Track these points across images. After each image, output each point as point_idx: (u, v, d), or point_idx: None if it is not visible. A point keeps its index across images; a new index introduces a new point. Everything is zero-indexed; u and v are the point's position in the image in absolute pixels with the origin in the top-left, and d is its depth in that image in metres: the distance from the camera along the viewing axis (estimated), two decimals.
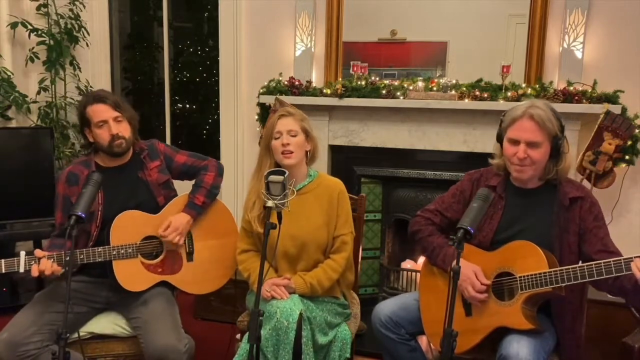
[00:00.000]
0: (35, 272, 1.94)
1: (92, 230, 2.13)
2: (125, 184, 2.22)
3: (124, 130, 2.17)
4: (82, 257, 2.06)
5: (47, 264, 1.95)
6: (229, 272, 2.37)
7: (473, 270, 1.89)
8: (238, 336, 2.28)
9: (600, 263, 1.70)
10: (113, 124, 2.14)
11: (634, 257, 1.66)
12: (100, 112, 2.13)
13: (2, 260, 1.96)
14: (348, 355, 2.10)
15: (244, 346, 2.00)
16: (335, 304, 2.15)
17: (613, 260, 1.69)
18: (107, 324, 2.17)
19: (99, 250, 2.08)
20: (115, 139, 2.14)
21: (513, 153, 1.87)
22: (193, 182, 2.36)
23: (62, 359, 1.64)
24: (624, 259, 1.68)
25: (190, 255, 2.29)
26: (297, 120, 2.14)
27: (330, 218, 2.14)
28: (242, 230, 2.23)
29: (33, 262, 1.96)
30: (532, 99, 1.96)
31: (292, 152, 2.09)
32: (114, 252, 2.11)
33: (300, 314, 1.94)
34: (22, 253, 1.97)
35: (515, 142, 1.87)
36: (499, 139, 1.97)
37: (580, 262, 1.89)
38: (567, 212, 1.89)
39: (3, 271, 1.96)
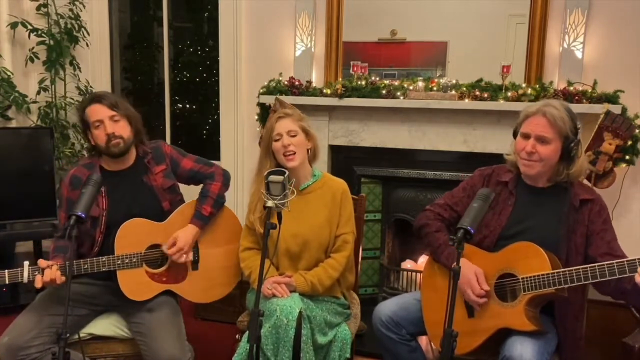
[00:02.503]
0: (38, 284, 1.92)
1: (97, 236, 2.11)
2: (130, 188, 2.19)
3: (121, 129, 2.12)
4: (86, 267, 2.03)
5: (50, 274, 1.93)
6: (233, 280, 2.34)
7: (475, 272, 1.89)
8: (238, 336, 2.28)
9: (604, 265, 1.70)
10: (109, 123, 2.09)
11: (638, 259, 1.66)
12: (96, 111, 2.10)
13: (6, 271, 1.94)
14: (348, 355, 2.10)
15: (243, 345, 2.00)
16: (335, 304, 2.15)
17: (616, 262, 1.69)
18: (108, 325, 2.16)
19: (103, 260, 2.05)
20: (111, 139, 2.10)
21: (522, 147, 1.90)
22: (200, 188, 2.32)
23: (62, 359, 1.64)
24: (627, 261, 1.68)
25: (195, 264, 2.25)
26: (295, 121, 2.15)
27: (333, 216, 2.16)
28: (245, 227, 2.24)
29: (37, 273, 1.94)
30: (550, 99, 1.98)
31: (294, 153, 2.10)
32: (119, 262, 2.07)
33: (300, 312, 1.94)
34: (26, 263, 1.95)
35: (526, 136, 1.90)
36: (515, 135, 1.99)
37: (584, 264, 1.89)
38: (576, 213, 1.89)
39: (7, 282, 1.94)
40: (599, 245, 1.85)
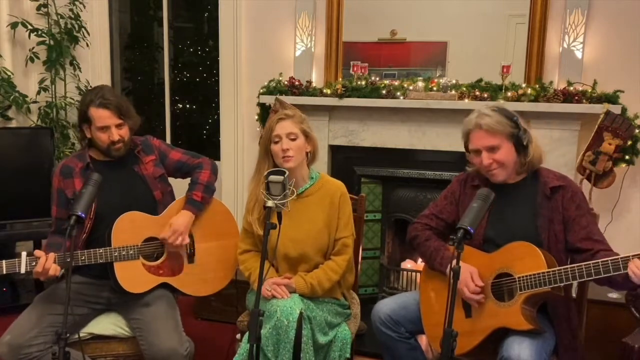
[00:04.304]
0: (39, 267, 1.92)
1: (86, 223, 2.10)
2: (121, 177, 2.21)
3: (124, 134, 2.16)
4: (83, 258, 2.05)
5: (45, 264, 1.93)
6: (229, 274, 2.36)
7: (469, 271, 1.90)
8: (238, 336, 2.28)
9: (598, 262, 1.71)
10: (115, 131, 2.13)
11: (632, 255, 1.67)
12: (103, 118, 2.10)
13: (4, 262, 1.94)
14: (348, 355, 2.10)
15: (244, 346, 1.99)
16: (335, 304, 2.15)
17: (611, 260, 1.70)
18: (108, 324, 2.17)
19: (100, 251, 2.07)
20: (114, 144, 2.14)
21: (479, 162, 1.96)
22: (189, 180, 2.35)
23: (62, 359, 1.64)
24: (621, 258, 1.68)
25: (191, 257, 2.28)
26: (296, 123, 2.11)
27: (332, 220, 2.14)
28: (243, 230, 2.23)
29: (34, 263, 1.94)
30: (481, 107, 1.99)
31: (292, 157, 2.06)
32: (115, 254, 2.10)
33: (301, 313, 1.94)
34: (24, 254, 1.96)
35: (477, 152, 1.96)
36: (466, 149, 2.03)
37: (566, 251, 1.91)
38: (549, 201, 1.92)
39: (4, 272, 1.94)
40: (577, 231, 1.87)
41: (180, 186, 2.40)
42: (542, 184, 1.95)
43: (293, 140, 2.08)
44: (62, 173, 2.18)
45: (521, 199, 1.97)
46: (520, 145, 1.92)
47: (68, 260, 1.94)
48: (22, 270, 1.95)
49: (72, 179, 2.16)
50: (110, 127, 2.12)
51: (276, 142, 2.09)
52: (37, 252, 1.97)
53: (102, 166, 2.16)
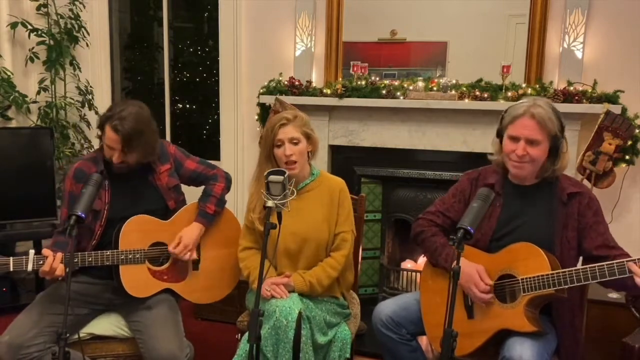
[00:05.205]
0: (47, 267, 1.92)
1: (96, 229, 2.11)
2: (134, 185, 2.19)
3: (130, 158, 2.08)
4: (90, 259, 2.05)
5: (52, 263, 1.93)
6: (232, 282, 2.37)
7: (477, 269, 1.88)
8: (238, 336, 2.28)
9: (603, 265, 1.71)
10: (117, 154, 2.06)
11: (637, 259, 1.67)
12: (110, 139, 2.04)
13: (11, 259, 1.94)
14: (348, 355, 2.10)
15: (242, 346, 1.99)
16: (334, 304, 2.15)
17: (616, 262, 1.69)
18: (108, 325, 2.17)
19: (107, 254, 2.07)
20: (116, 162, 2.09)
21: (512, 150, 1.88)
22: (202, 188, 2.33)
23: (62, 359, 1.64)
24: (626, 261, 1.68)
25: (196, 265, 2.27)
26: (297, 127, 2.11)
27: (331, 215, 2.15)
28: (244, 227, 2.23)
29: (41, 262, 1.94)
30: (535, 97, 1.94)
31: (296, 162, 2.08)
32: (122, 257, 2.09)
33: (300, 313, 1.94)
34: (31, 252, 1.96)
35: (515, 139, 1.88)
36: (499, 134, 1.97)
37: (580, 258, 1.90)
38: (565, 207, 1.90)
39: (11, 269, 1.94)
40: (593, 238, 1.85)
41: (191, 192, 2.39)
42: (560, 189, 1.92)
43: (296, 144, 2.09)
44: (75, 177, 2.15)
45: (536, 203, 1.94)
46: (555, 150, 1.88)
47: (67, 260, 1.93)
48: (29, 268, 1.94)
49: (84, 183, 2.14)
50: (116, 149, 2.05)
51: (279, 146, 2.10)
52: (45, 251, 1.96)
53: (116, 172, 2.12)
